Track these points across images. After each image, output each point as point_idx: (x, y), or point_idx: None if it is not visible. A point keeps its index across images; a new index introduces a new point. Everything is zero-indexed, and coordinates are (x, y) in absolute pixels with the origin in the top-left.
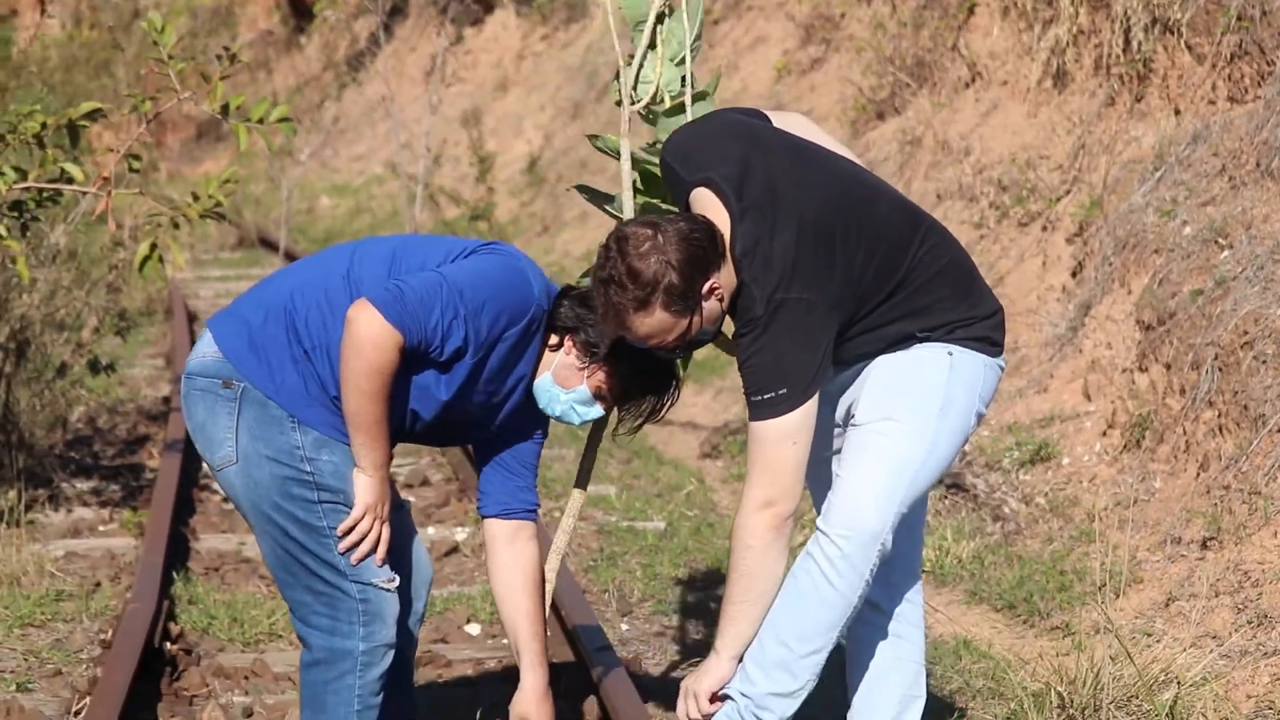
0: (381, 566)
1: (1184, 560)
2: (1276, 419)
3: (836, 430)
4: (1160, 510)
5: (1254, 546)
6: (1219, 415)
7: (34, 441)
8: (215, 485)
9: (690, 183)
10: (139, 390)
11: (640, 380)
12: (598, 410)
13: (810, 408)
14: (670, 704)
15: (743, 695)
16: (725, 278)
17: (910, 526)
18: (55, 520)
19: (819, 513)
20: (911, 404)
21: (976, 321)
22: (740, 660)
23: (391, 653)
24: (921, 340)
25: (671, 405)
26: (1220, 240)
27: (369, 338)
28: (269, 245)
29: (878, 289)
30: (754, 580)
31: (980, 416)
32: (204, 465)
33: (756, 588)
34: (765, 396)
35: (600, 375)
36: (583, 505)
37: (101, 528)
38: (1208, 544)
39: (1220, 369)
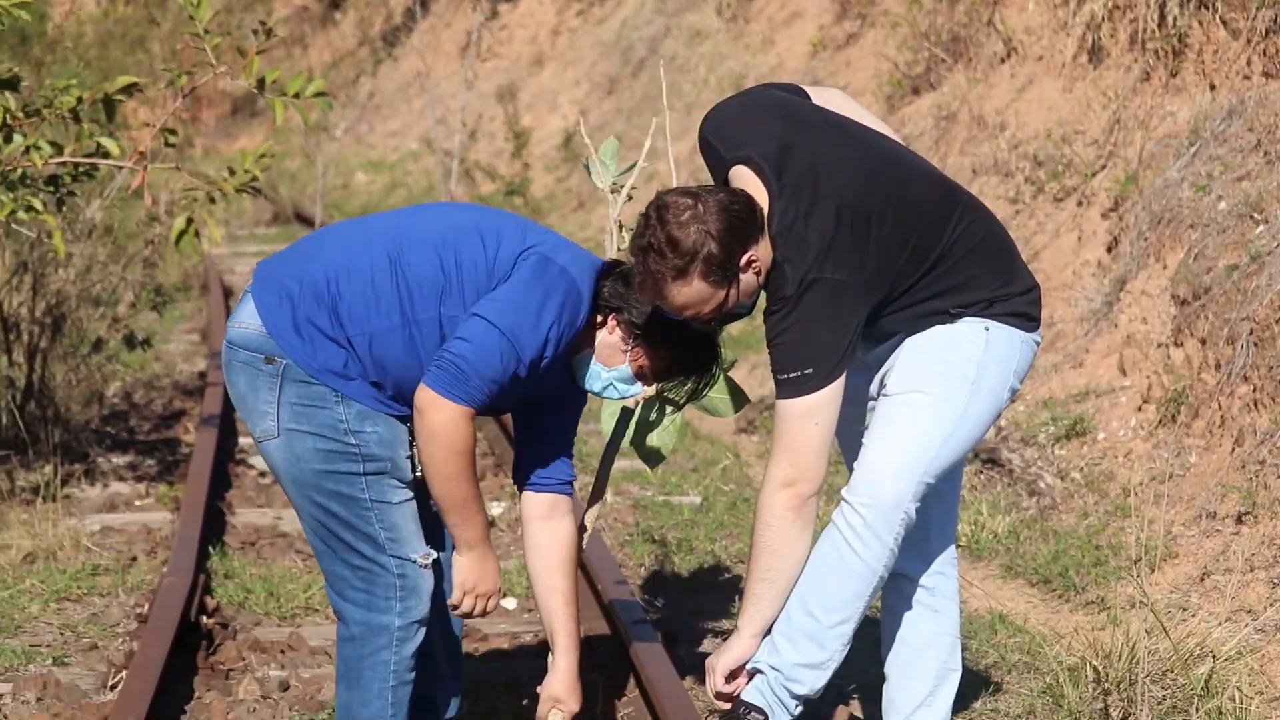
0: (420, 542)
1: (1219, 535)
2: None
3: (870, 404)
4: (1195, 485)
5: None
6: (1254, 390)
7: (70, 416)
8: (251, 460)
9: (730, 160)
10: (175, 365)
11: (683, 361)
12: (638, 388)
13: (836, 388)
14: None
15: (771, 668)
16: (763, 252)
17: (944, 499)
18: (91, 495)
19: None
20: (943, 376)
21: (1013, 297)
22: (762, 638)
23: (424, 629)
24: (957, 316)
25: (712, 386)
26: (1255, 215)
27: (442, 424)
28: (304, 221)
29: (914, 268)
30: (774, 559)
31: (1014, 392)
32: (240, 440)
33: (777, 566)
34: (791, 375)
35: (643, 354)
36: (597, 520)
37: (138, 502)
38: (1243, 519)
39: (1255, 344)
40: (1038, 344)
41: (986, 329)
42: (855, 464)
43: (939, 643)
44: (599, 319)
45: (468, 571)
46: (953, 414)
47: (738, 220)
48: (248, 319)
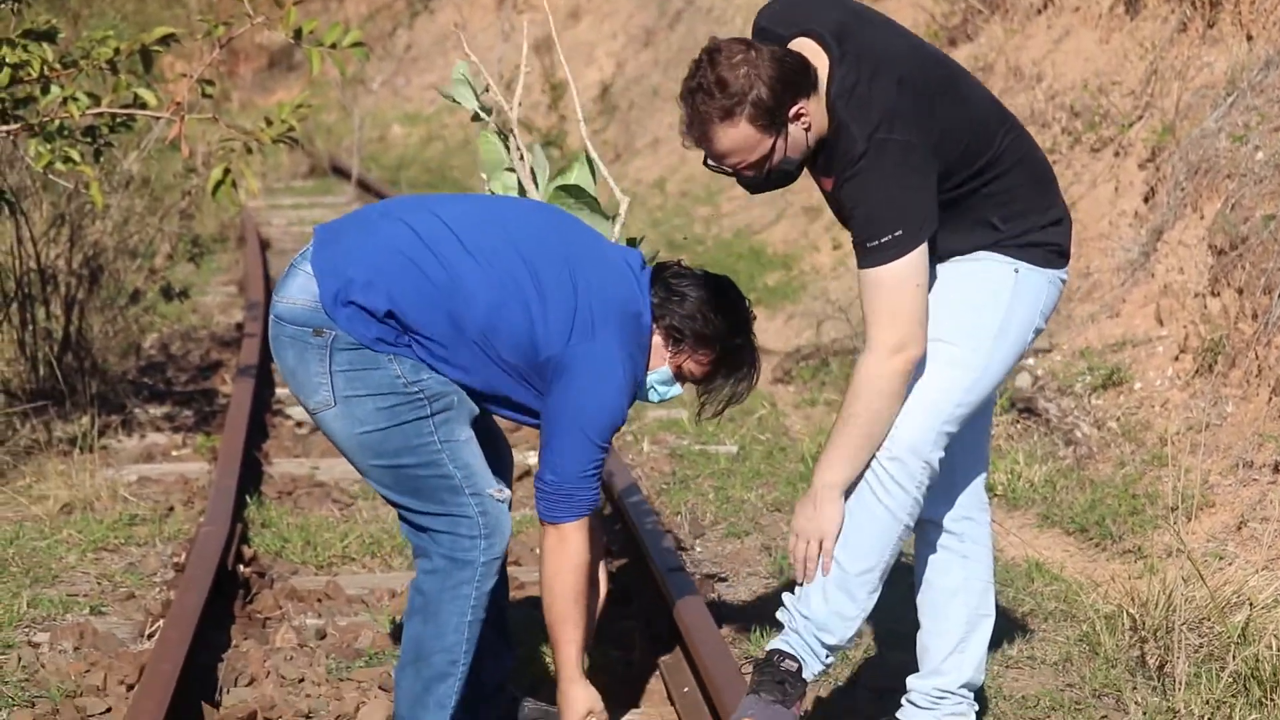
0: (492, 478)
1: (1256, 484)
2: None
3: None
4: (1232, 434)
5: None
6: None
7: (107, 367)
8: (289, 410)
9: (788, 36)
10: (212, 317)
11: (725, 365)
12: (677, 389)
13: (925, 249)
14: (743, 626)
15: (802, 617)
16: (815, 109)
17: (972, 446)
18: (128, 445)
19: None
20: (970, 327)
21: (1048, 226)
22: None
23: (504, 568)
24: (991, 248)
25: (751, 389)
26: None
27: (570, 549)
28: (341, 173)
29: (967, 163)
30: (876, 425)
31: (1038, 332)
32: (276, 391)
33: (877, 433)
34: (882, 240)
35: (683, 359)
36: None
37: (175, 453)
38: (1279, 468)
39: None
40: (1064, 281)
41: (1016, 271)
42: None
43: (969, 588)
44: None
45: (559, 702)
46: (977, 364)
47: (790, 71)
48: (296, 295)
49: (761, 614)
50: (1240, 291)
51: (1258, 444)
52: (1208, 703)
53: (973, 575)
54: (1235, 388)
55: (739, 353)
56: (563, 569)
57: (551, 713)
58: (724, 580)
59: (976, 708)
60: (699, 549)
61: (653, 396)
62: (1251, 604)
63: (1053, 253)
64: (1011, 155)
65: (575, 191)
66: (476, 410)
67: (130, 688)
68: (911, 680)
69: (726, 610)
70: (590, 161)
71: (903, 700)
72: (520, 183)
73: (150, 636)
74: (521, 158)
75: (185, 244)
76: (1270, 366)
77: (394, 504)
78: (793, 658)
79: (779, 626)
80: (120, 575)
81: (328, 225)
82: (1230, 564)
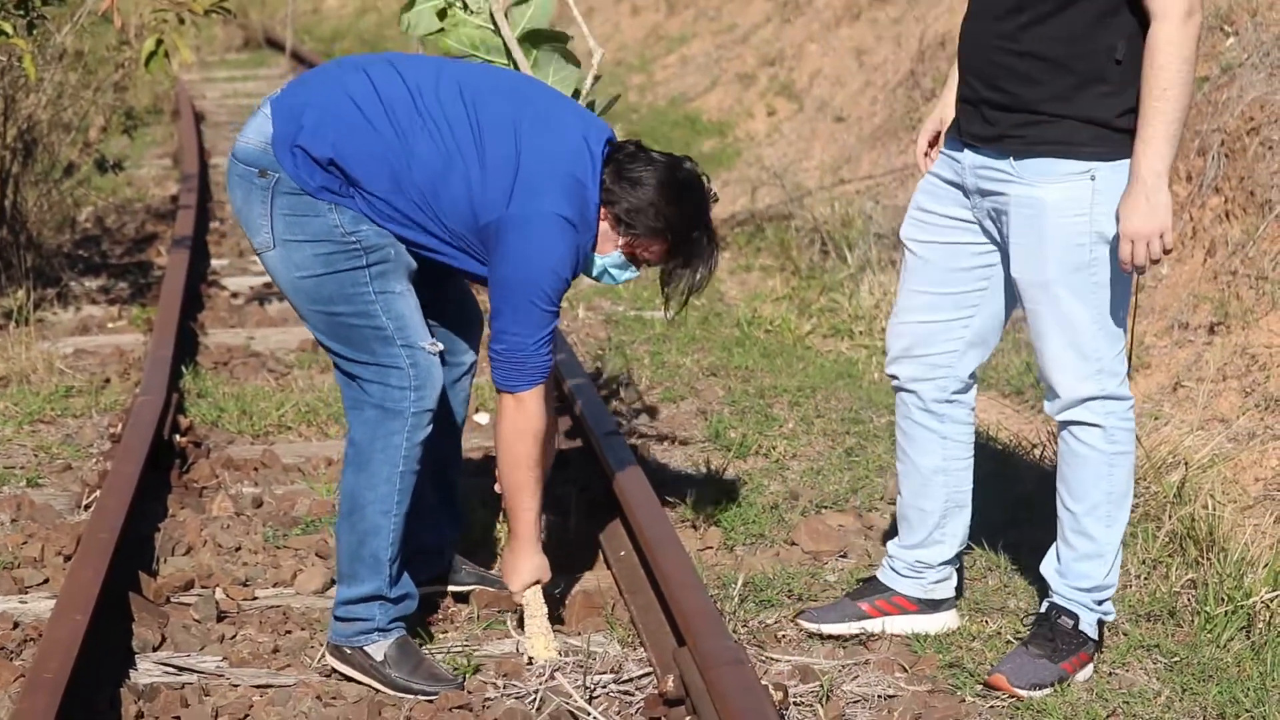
0: (426, 332)
1: (1191, 345)
2: None
3: (980, 248)
4: (1168, 296)
5: (1261, 331)
6: (1225, 201)
7: (42, 241)
8: (224, 281)
9: None
10: (146, 190)
11: (680, 250)
12: (633, 272)
13: None
14: (679, 490)
15: (1080, 591)
16: None
17: (987, 331)
18: (64, 318)
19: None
20: (1068, 267)
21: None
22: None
23: (433, 422)
24: (1077, 151)
25: (711, 276)
26: (1226, 27)
27: (524, 415)
28: (276, 46)
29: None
30: (1186, 93)
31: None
32: (212, 262)
33: (1187, 102)
34: None
35: (637, 247)
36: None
37: (110, 325)
38: (1215, 329)
39: (1226, 155)
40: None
41: (1092, 178)
42: (1042, 378)
43: (949, 469)
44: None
45: (505, 566)
46: (1091, 293)
47: None
48: (250, 134)
49: (696, 477)
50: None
51: (1193, 305)
52: (1144, 562)
53: (953, 456)
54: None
55: (695, 244)
56: (521, 435)
57: (489, 578)
58: (660, 444)
59: (956, 580)
60: (635, 414)
61: (607, 279)
62: (1187, 464)
63: (1128, 133)
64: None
65: (544, 37)
66: (415, 265)
67: (68, 558)
68: (893, 547)
69: (662, 474)
70: None
71: (883, 562)
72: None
73: (87, 508)
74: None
75: (119, 117)
76: (1204, 228)
77: (328, 350)
78: (1070, 614)
79: (715, 490)
80: (57, 447)
81: (306, 73)
82: (1165, 424)
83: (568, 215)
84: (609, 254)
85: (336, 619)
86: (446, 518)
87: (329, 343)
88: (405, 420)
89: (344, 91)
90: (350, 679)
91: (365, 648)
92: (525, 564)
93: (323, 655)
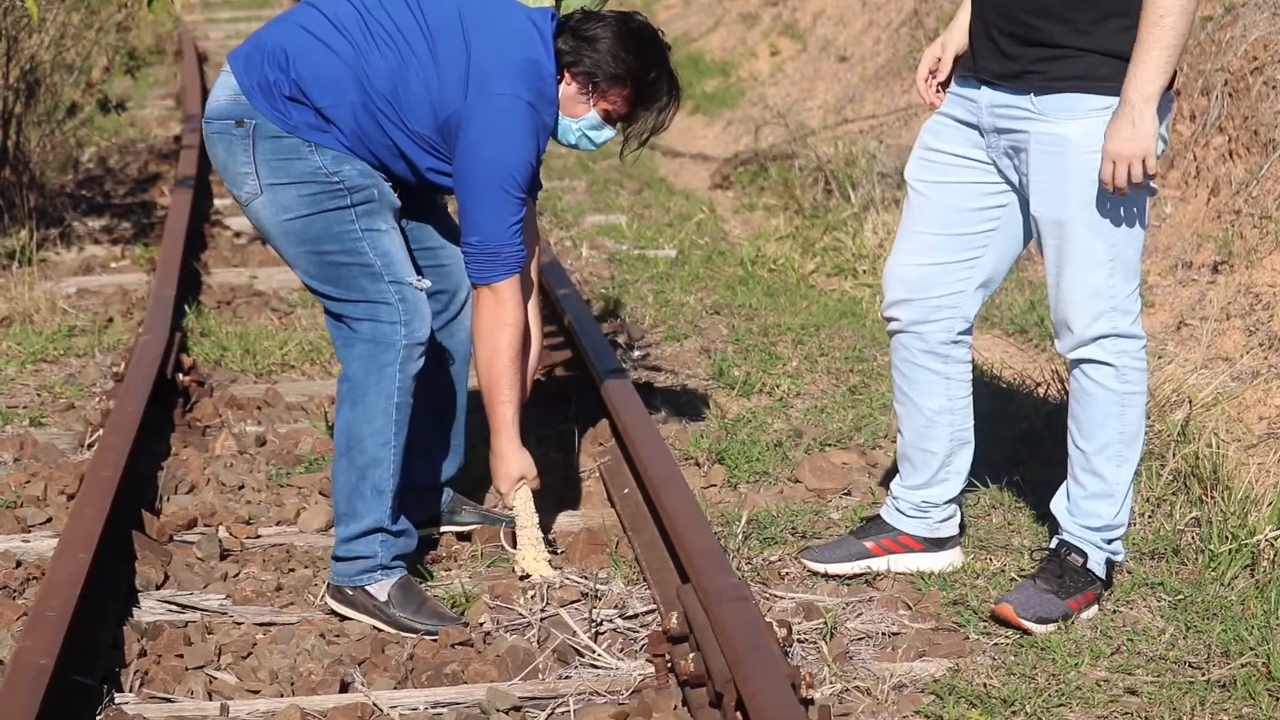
0: (411, 269)
1: (1195, 284)
2: None
3: (991, 188)
4: (1171, 235)
5: (1265, 270)
6: (1229, 141)
7: (45, 181)
8: (227, 220)
9: None
10: (149, 130)
11: (645, 97)
12: (609, 133)
13: None
14: (681, 428)
15: (1089, 530)
16: None
17: (987, 284)
18: (67, 258)
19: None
20: (1092, 203)
21: None
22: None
23: (425, 356)
24: (1100, 86)
25: (674, 115)
26: None
27: (507, 313)
28: None
29: None
30: (1183, 20)
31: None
32: (215, 202)
33: (1184, 30)
34: None
35: (604, 101)
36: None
37: (113, 264)
38: (1218, 268)
39: (1230, 95)
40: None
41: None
42: (1056, 315)
43: (953, 409)
44: (557, 77)
45: (515, 467)
46: (1110, 230)
47: None
48: (218, 91)
49: (699, 416)
50: (1178, 93)
51: (1197, 244)
52: (1148, 500)
53: (956, 395)
54: (1174, 189)
55: (655, 85)
56: (500, 326)
57: (491, 515)
58: (664, 382)
59: (960, 518)
60: (638, 352)
61: (585, 144)
62: (1190, 402)
63: None
64: None
65: None
66: (399, 205)
67: (71, 497)
68: (897, 488)
69: (666, 412)
70: None
71: (887, 501)
72: None
73: (90, 446)
74: None
75: (122, 57)
76: (1208, 168)
77: (318, 293)
78: (1080, 551)
79: (719, 427)
80: (60, 386)
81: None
82: (1169, 363)
83: (524, 96)
84: (582, 116)
85: (337, 559)
86: (443, 455)
87: (318, 285)
88: (397, 352)
89: (295, 24)
90: (354, 620)
91: (367, 587)
92: (507, 461)
93: (323, 597)
